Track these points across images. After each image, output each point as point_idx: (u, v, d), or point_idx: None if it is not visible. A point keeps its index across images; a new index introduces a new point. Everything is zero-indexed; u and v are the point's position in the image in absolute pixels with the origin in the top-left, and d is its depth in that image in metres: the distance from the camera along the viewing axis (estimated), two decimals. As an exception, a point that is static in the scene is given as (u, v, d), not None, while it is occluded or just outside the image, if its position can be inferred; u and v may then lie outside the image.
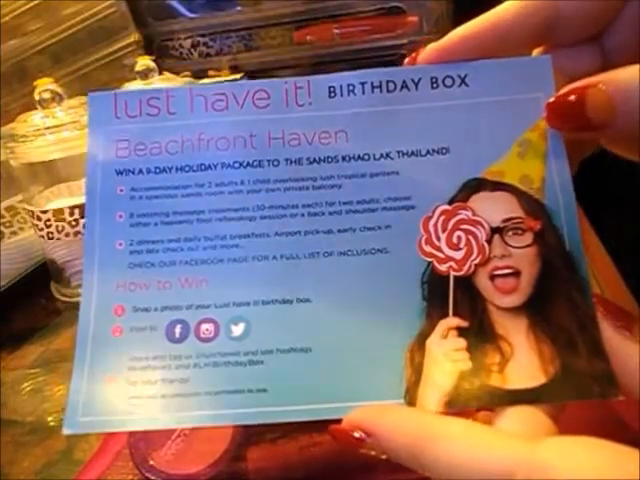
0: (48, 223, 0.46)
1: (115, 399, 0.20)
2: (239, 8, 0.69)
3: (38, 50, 0.64)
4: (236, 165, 0.23)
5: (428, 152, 0.22)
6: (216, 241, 0.22)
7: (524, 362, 0.20)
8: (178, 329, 0.21)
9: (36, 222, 0.47)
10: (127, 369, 0.21)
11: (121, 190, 0.23)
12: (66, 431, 0.20)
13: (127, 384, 0.20)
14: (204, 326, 0.21)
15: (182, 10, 0.69)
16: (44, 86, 0.47)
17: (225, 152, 0.23)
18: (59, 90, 0.47)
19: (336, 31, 0.67)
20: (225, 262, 0.22)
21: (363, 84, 0.23)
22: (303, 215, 0.22)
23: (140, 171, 0.23)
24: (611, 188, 0.56)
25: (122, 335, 0.21)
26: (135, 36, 0.67)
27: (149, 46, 0.70)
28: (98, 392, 0.20)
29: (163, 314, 0.21)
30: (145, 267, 0.22)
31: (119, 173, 0.23)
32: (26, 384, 0.42)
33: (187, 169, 0.23)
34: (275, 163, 0.22)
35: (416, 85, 0.22)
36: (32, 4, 0.63)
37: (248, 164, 0.23)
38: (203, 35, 0.70)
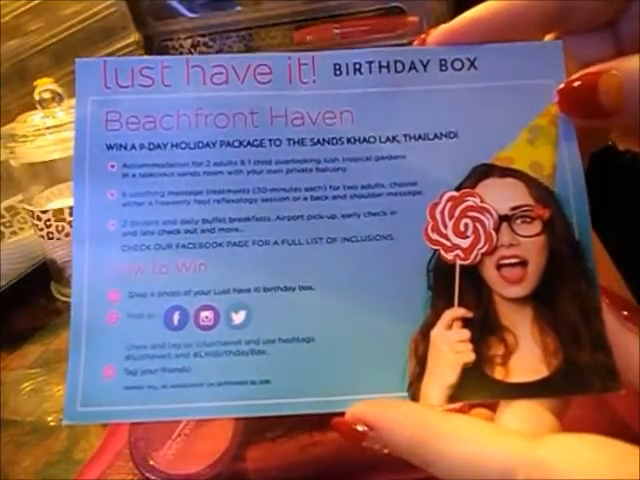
0: (48, 223, 0.46)
1: (114, 389, 0.20)
2: (239, 8, 0.69)
3: (38, 50, 0.64)
4: (236, 144, 0.21)
5: (436, 136, 0.21)
6: (214, 224, 0.21)
7: (528, 355, 0.19)
8: (177, 316, 0.20)
9: (36, 222, 0.47)
10: (124, 358, 0.20)
11: (112, 166, 0.21)
12: (66, 422, 0.20)
13: (126, 373, 0.20)
14: (203, 313, 0.20)
15: (182, 10, 0.69)
16: (44, 86, 0.47)
17: (224, 129, 0.22)
18: (59, 90, 0.48)
19: (336, 31, 0.67)
20: (224, 246, 0.21)
21: (370, 63, 0.22)
22: (306, 199, 0.21)
23: (133, 146, 0.21)
24: (611, 188, 0.56)
25: (118, 322, 0.20)
26: (135, 36, 0.67)
27: (149, 46, 0.70)
28: (96, 382, 0.20)
29: (160, 300, 0.20)
30: (140, 250, 0.21)
31: (110, 148, 0.21)
32: (26, 384, 0.42)
33: (183, 146, 0.21)
34: (277, 143, 0.21)
35: (424, 67, 0.22)
36: (32, 4, 0.63)
37: (249, 143, 0.21)
38: (203, 35, 0.69)
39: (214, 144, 0.21)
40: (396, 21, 0.65)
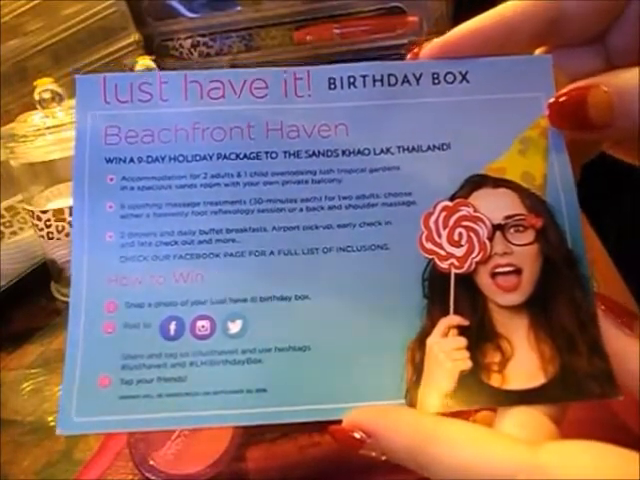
0: (48, 223, 0.46)
1: (109, 399, 0.20)
2: (239, 8, 0.69)
3: (38, 50, 0.64)
4: (232, 156, 0.22)
5: (429, 147, 0.22)
6: (211, 235, 0.21)
7: (524, 362, 0.20)
8: (173, 326, 0.21)
9: (36, 222, 0.47)
10: (120, 368, 0.20)
11: (111, 179, 0.22)
12: (60, 432, 0.20)
13: (121, 383, 0.20)
14: (200, 323, 0.21)
15: (182, 10, 0.69)
16: (44, 86, 0.47)
17: (221, 142, 0.22)
18: (59, 90, 0.47)
19: (336, 31, 0.67)
20: (221, 257, 0.21)
21: (364, 77, 0.22)
22: (302, 210, 0.21)
23: (131, 160, 0.22)
24: (611, 189, 0.56)
25: (114, 332, 0.20)
26: (135, 36, 0.67)
27: (149, 46, 0.70)
28: (91, 391, 0.20)
29: (157, 310, 0.21)
30: (137, 261, 0.21)
31: (109, 161, 0.22)
32: (26, 384, 0.42)
33: (181, 159, 0.22)
34: (273, 155, 0.22)
35: (417, 80, 0.22)
36: (32, 4, 0.62)
37: (245, 156, 0.22)
38: (203, 35, 0.69)
39: (211, 157, 0.22)
40: (396, 21, 0.65)
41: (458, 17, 0.22)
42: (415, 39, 0.63)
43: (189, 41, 0.70)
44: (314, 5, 0.67)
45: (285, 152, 0.22)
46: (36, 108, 0.47)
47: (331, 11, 0.67)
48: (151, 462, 0.29)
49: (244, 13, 0.68)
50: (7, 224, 0.53)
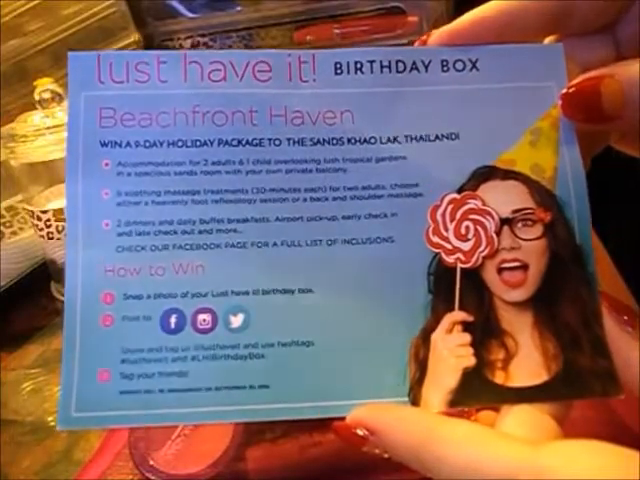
0: (48, 223, 0.46)
1: (109, 394, 0.19)
2: (239, 8, 0.69)
3: (38, 50, 0.64)
4: (234, 143, 0.21)
5: (437, 137, 0.21)
6: (212, 224, 0.21)
7: (528, 359, 0.20)
8: (173, 319, 0.20)
9: (36, 222, 0.47)
10: (120, 362, 0.20)
11: (106, 164, 0.21)
12: (60, 427, 0.19)
13: (121, 378, 0.20)
14: (201, 316, 0.20)
15: (182, 10, 0.69)
16: (44, 86, 0.47)
17: (222, 128, 0.21)
18: (59, 90, 0.47)
19: (336, 31, 0.67)
20: (222, 247, 0.20)
21: (371, 62, 0.22)
22: (305, 200, 0.21)
23: (128, 144, 0.21)
24: (611, 188, 0.56)
25: (113, 325, 0.20)
26: (135, 36, 0.67)
27: (149, 46, 0.70)
28: (91, 386, 0.19)
29: (157, 302, 0.20)
30: (135, 251, 0.20)
31: (104, 145, 0.21)
32: (26, 384, 0.42)
33: (180, 144, 0.21)
34: (276, 142, 0.21)
35: (426, 67, 0.22)
36: (32, 4, 0.62)
37: (247, 142, 0.21)
38: (203, 35, 0.69)
39: (212, 143, 0.21)
40: (396, 21, 0.65)
41: (458, 17, 0.22)
42: (415, 39, 0.63)
43: (189, 41, 0.70)
44: (314, 5, 0.66)
45: (289, 139, 0.21)
46: (36, 108, 0.47)
47: (331, 11, 0.67)
48: (151, 462, 0.29)
49: (244, 13, 0.68)
50: (7, 224, 0.53)
